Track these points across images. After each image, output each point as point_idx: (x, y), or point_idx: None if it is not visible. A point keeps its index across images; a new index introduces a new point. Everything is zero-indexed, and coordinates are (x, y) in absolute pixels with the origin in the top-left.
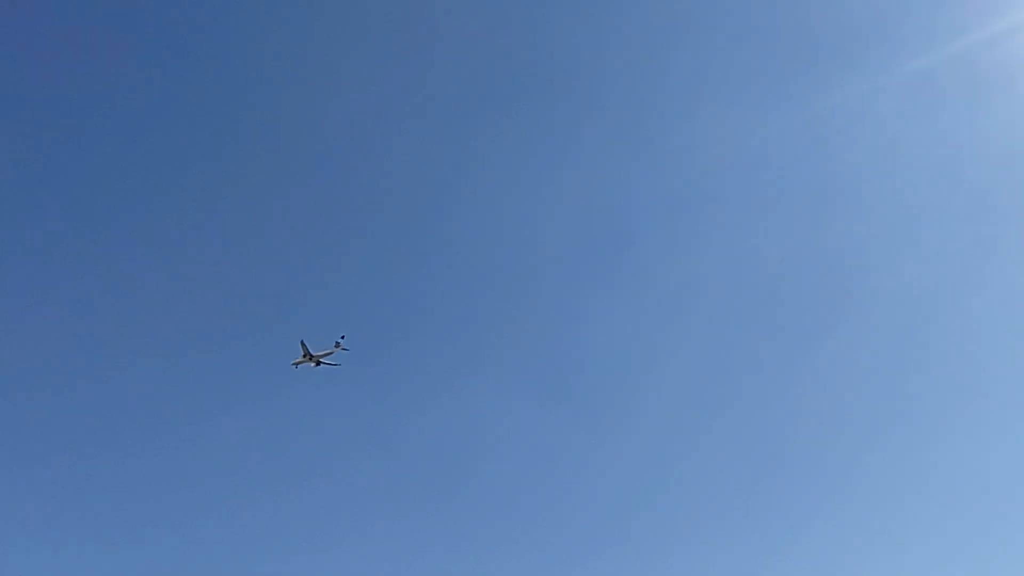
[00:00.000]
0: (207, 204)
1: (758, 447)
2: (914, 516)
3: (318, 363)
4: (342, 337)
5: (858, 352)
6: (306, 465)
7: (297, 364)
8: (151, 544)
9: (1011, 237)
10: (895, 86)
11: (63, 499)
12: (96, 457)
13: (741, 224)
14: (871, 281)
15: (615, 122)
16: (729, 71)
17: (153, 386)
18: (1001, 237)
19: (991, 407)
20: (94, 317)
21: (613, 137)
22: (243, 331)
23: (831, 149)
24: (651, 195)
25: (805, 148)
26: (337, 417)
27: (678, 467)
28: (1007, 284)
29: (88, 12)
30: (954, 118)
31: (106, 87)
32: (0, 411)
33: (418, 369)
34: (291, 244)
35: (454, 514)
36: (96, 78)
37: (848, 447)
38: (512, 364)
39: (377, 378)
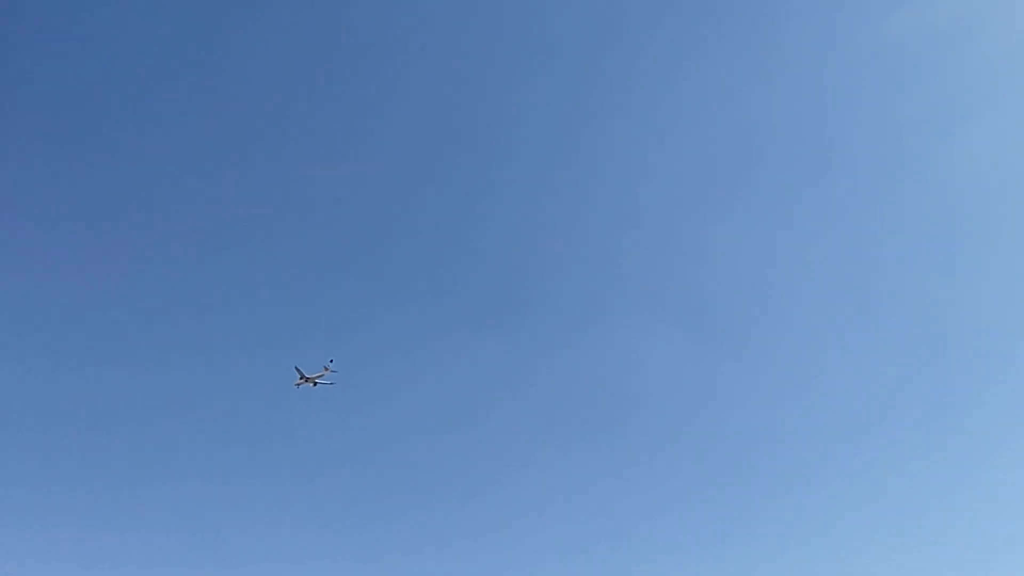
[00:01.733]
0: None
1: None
2: None
3: (315, 384)
4: (331, 361)
5: None
6: (468, 405)
7: (298, 385)
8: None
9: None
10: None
11: None
12: None
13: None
14: None
15: None
16: None
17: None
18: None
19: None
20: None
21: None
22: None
23: None
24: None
25: None
26: (495, 359)
27: (824, 396)
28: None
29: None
30: None
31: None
32: None
33: (564, 309)
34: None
35: (608, 444)
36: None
37: None
38: (656, 298)
39: (525, 321)
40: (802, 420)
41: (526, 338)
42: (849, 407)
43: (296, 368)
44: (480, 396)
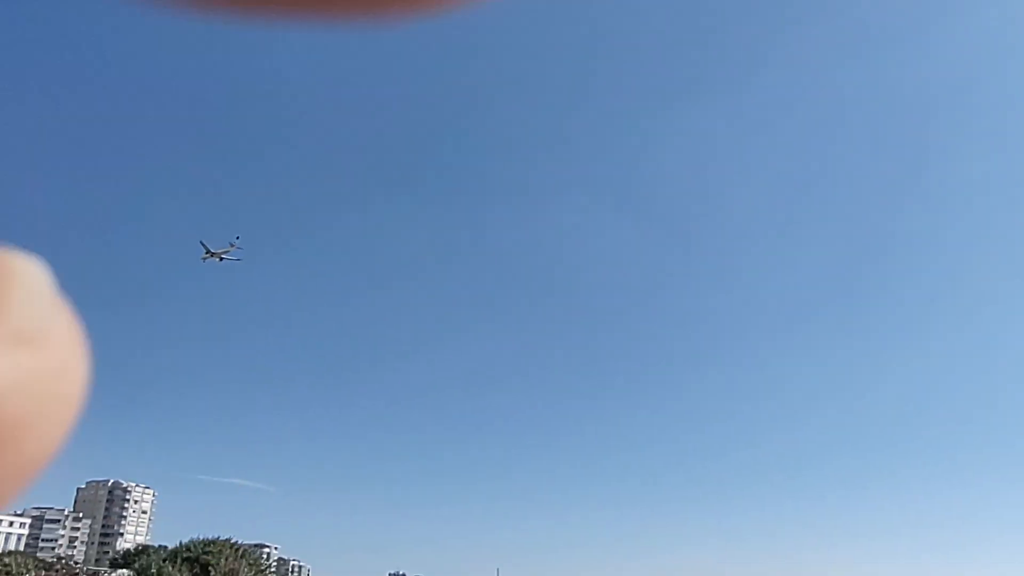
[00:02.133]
0: None
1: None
2: None
3: (220, 259)
4: (237, 238)
5: None
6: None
7: (205, 259)
8: None
9: None
10: None
11: None
12: None
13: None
14: None
15: None
16: None
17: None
18: None
19: None
20: None
21: None
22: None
23: None
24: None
25: None
26: (438, 231)
27: (758, 275)
28: None
29: None
30: None
31: None
32: None
33: (507, 188)
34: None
35: (543, 316)
36: None
37: None
38: (596, 179)
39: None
40: (740, 307)
41: (459, 209)
42: (782, 295)
43: (201, 243)
44: (410, 261)
